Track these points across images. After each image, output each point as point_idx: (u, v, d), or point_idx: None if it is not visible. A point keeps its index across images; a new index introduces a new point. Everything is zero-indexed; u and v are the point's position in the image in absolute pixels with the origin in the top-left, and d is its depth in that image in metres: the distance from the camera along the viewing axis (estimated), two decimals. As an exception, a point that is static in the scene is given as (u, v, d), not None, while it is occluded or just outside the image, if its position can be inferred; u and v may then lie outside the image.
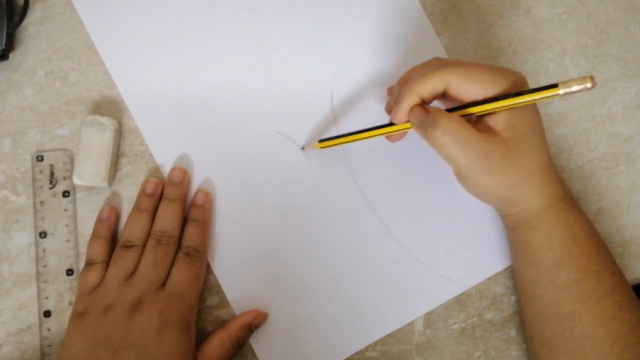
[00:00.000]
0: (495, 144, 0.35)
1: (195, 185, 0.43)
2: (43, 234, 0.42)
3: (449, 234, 0.44)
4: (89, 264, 0.40)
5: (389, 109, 0.41)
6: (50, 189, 0.42)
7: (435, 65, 0.37)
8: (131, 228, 0.41)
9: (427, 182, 0.44)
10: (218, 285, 0.43)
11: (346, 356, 0.43)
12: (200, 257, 0.41)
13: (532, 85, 0.36)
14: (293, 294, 0.43)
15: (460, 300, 0.44)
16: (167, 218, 0.41)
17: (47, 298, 0.42)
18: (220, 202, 0.43)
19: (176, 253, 0.41)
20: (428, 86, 0.36)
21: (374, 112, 0.44)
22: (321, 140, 0.42)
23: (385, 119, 0.42)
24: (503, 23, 0.46)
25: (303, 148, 0.44)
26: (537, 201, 0.37)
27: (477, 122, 0.37)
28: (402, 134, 0.40)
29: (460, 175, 0.38)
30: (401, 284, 0.43)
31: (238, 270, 0.43)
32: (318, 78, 0.44)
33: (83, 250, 0.42)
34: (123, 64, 0.44)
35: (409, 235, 0.44)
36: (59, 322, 0.42)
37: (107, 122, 0.41)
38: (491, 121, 0.36)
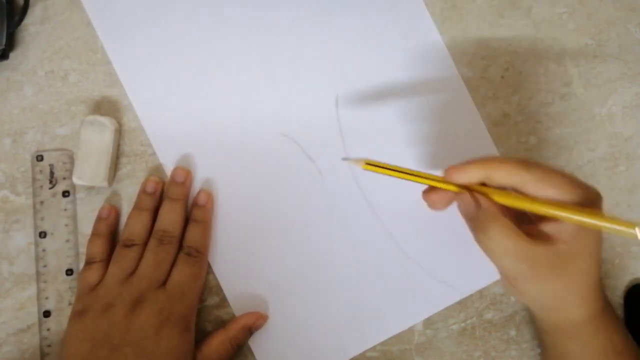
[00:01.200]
0: (545, 256, 0.33)
1: (197, 186, 0.43)
2: (43, 234, 0.42)
3: (450, 240, 0.44)
4: (88, 263, 0.40)
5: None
6: (50, 188, 0.42)
7: (516, 159, 0.35)
8: (132, 227, 0.41)
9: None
10: (218, 285, 0.43)
11: None
12: (201, 258, 0.41)
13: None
14: (293, 295, 0.43)
15: (460, 301, 0.44)
16: (169, 218, 0.41)
17: (47, 298, 0.42)
18: (222, 202, 0.43)
19: (177, 253, 0.41)
20: (503, 173, 0.34)
21: (377, 115, 0.44)
22: (368, 163, 0.38)
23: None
24: (503, 23, 0.46)
25: (345, 159, 0.43)
26: (579, 312, 0.36)
27: (533, 222, 0.35)
28: (447, 202, 0.37)
29: (505, 278, 0.36)
30: (401, 288, 0.43)
31: (238, 270, 0.43)
32: (323, 81, 0.44)
33: (83, 250, 0.42)
34: (129, 63, 0.44)
35: (411, 240, 0.44)
36: (59, 322, 0.42)
37: (107, 122, 0.41)
38: (553, 228, 0.34)
